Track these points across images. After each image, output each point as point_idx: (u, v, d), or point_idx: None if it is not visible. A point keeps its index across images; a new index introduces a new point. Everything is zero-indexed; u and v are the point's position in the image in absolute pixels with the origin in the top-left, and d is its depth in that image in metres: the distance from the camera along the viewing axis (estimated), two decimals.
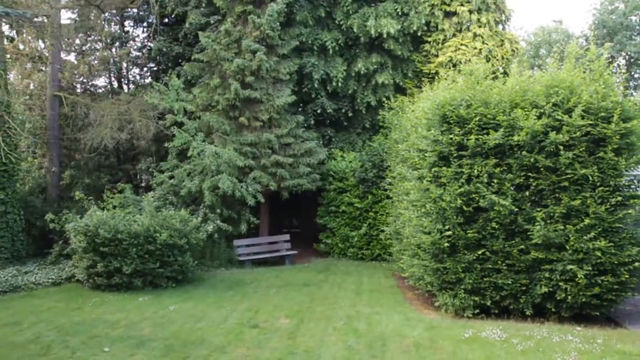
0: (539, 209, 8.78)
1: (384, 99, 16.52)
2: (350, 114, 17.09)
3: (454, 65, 15.99)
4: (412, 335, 8.14)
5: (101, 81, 18.96)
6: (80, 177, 15.86)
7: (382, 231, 15.02)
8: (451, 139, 9.21)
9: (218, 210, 14.41)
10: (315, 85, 16.39)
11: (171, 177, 14.61)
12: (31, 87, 16.40)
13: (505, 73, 15.64)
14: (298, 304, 10.28)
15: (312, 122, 16.80)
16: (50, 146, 15.98)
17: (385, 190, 14.91)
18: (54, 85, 16.02)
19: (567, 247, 8.51)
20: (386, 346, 7.65)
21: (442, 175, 9.29)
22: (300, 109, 16.77)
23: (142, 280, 11.62)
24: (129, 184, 13.85)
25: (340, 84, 16.50)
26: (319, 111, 16.57)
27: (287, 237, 15.91)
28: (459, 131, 9.19)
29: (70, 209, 13.44)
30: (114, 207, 12.94)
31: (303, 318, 9.27)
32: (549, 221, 8.63)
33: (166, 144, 14.61)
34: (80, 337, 8.31)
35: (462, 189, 8.97)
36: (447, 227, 9.12)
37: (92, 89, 17.44)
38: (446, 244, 9.08)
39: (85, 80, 17.15)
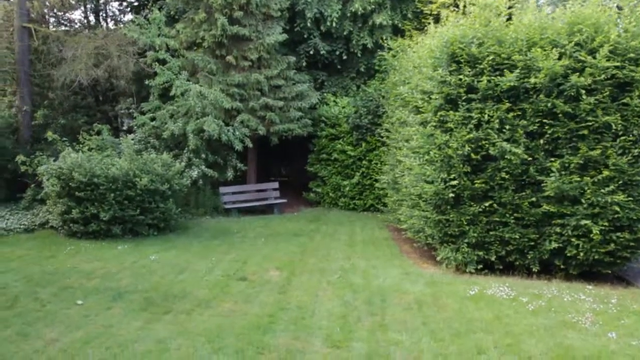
0: (553, 159, 8.07)
1: (382, 41, 15.49)
2: (344, 57, 16.05)
3: (457, 6, 14.89)
4: (412, 291, 7.55)
5: (77, 15, 17.55)
6: (55, 118, 14.76)
7: (376, 181, 14.37)
8: (460, 80, 8.37)
9: (203, 155, 13.57)
10: (308, 25, 15.27)
11: (153, 119, 13.64)
12: None
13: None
14: (289, 255, 9.65)
15: (304, 64, 15.76)
16: (20, 82, 14.75)
17: (381, 137, 14.14)
18: (22, 16, 14.64)
19: (582, 200, 7.86)
20: (386, 302, 7.06)
21: (449, 120, 8.50)
22: (291, 50, 15.65)
23: (122, 227, 10.88)
24: (107, 125, 12.85)
25: (334, 24, 15.38)
26: (311, 52, 15.51)
27: (275, 184, 15.18)
28: (469, 72, 8.34)
29: (44, 151, 12.50)
30: (90, 150, 12.03)
31: (294, 270, 8.65)
32: (563, 172, 7.95)
33: (147, 82, 13.52)
34: (51, 288, 7.60)
35: (470, 135, 8.21)
36: (452, 176, 8.41)
37: (66, 22, 16.07)
38: (451, 195, 8.40)
39: (58, 13, 15.75)
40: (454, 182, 8.36)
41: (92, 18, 17.63)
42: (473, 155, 8.22)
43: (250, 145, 13.84)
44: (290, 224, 12.83)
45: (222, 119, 13.73)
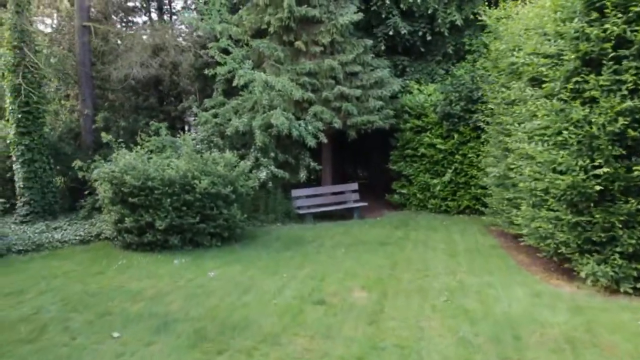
0: None
1: (473, 17, 13.33)
2: (428, 38, 13.97)
3: None
4: (555, 321, 5.44)
5: (140, 15, 16.65)
6: (116, 120, 13.76)
7: (473, 177, 12.20)
8: (605, 31, 6.17)
9: (272, 154, 11.99)
10: (387, 2, 13.36)
11: (215, 116, 12.23)
12: (55, 19, 14.26)
13: None
14: (376, 270, 7.76)
15: (383, 48, 13.85)
16: (81, 85, 13.93)
17: (477, 127, 11.97)
18: (82, 15, 13.84)
19: None
20: (521, 340, 5.02)
21: (590, 88, 6.31)
22: (367, 34, 13.78)
23: (180, 237, 9.45)
24: (165, 123, 11.55)
25: (417, 1, 13.37)
26: (390, 33, 13.57)
27: (355, 186, 13.34)
28: (618, 19, 6.12)
29: (106, 156, 11.42)
30: (150, 152, 10.76)
31: (386, 290, 6.75)
32: None
33: (207, 71, 12.12)
34: (88, 314, 6.18)
35: (623, 105, 5.99)
36: (597, 163, 6.20)
37: (127, 20, 15.13)
38: (595, 187, 6.19)
39: (119, 10, 14.85)
40: (601, 171, 6.14)
41: (154, 16, 16.66)
42: (632, 132, 5.98)
43: (325, 141, 12.10)
44: (374, 231, 10.93)
45: (292, 112, 12.10)
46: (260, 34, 13.08)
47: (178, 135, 11.84)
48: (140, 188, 9.19)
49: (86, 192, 11.37)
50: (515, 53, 8.22)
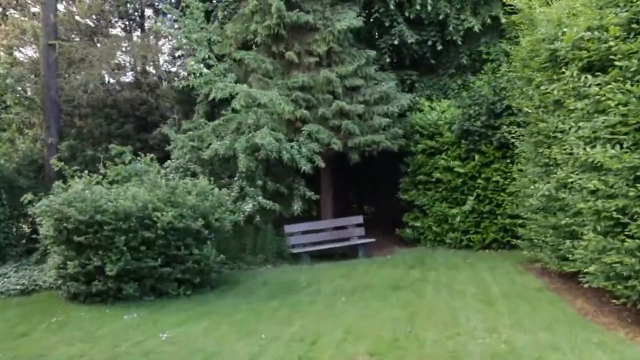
0: None
1: (490, 21, 11.65)
2: (439, 47, 12.24)
3: None
4: None
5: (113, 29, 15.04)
6: (83, 149, 11.97)
7: (499, 205, 10.23)
8: None
9: (259, 182, 10.09)
10: (391, 7, 11.71)
11: (192, 139, 10.40)
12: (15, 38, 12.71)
13: None
14: (389, 326, 5.72)
15: (387, 60, 12.12)
16: (46, 111, 12.23)
17: (502, 144, 10.11)
18: (48, 32, 12.28)
19: None
20: None
21: None
22: (369, 46, 12.07)
23: (138, 285, 7.49)
24: (129, 147, 9.72)
25: (426, 6, 11.72)
26: (396, 43, 11.83)
27: (359, 219, 11.36)
28: None
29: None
30: (112, 182, 8.87)
31: (404, 359, 4.71)
32: None
33: (176, 83, 10.38)
34: None
35: None
36: None
37: (96, 35, 13.53)
38: None
39: (88, 24, 13.26)
40: None
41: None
42: None
43: (322, 165, 10.20)
44: (384, 272, 8.89)
45: (284, 133, 10.28)
46: (246, 46, 11.41)
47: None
48: (88, 223, 7.29)
49: (28, 230, 9.46)
50: (558, 39, 6.39)
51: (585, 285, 5.91)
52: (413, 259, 9.91)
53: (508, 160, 10.18)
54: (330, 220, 11.57)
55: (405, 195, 11.72)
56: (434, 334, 5.35)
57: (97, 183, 8.03)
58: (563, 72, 6.35)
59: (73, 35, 12.57)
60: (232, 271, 9.50)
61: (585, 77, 5.65)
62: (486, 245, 10.62)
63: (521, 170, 8.58)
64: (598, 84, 5.44)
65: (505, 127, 9.87)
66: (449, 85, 12.50)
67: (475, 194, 10.64)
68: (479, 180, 10.58)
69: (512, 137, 8.96)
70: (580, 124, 5.69)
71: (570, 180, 5.82)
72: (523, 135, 8.36)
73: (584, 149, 5.44)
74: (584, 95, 5.69)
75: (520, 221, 9.22)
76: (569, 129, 6.06)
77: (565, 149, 6.21)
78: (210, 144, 10.18)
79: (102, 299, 7.44)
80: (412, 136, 11.59)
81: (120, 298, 7.43)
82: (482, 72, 11.72)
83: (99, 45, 12.01)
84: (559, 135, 6.41)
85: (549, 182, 6.42)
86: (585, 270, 5.77)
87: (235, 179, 10.09)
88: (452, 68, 12.57)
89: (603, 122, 5.26)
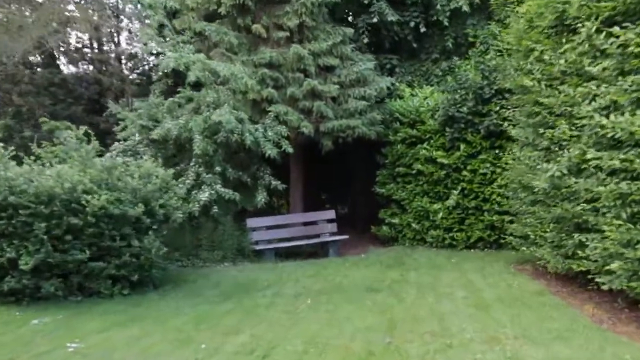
0: None
1: (479, 1, 10.69)
2: (422, 29, 11.21)
3: None
4: None
5: None
6: (21, 130, 10.57)
7: (486, 200, 9.24)
8: None
9: (218, 169, 8.88)
10: None
11: (142, 118, 9.11)
12: None
13: None
14: (362, 335, 4.57)
15: (365, 42, 11.03)
16: None
17: (490, 133, 9.14)
18: None
19: None
20: None
21: None
22: (347, 25, 10.96)
23: (63, 283, 6.19)
24: (65, 122, 8.39)
25: None
26: (375, 20, 10.76)
27: (331, 214, 10.23)
28: None
29: None
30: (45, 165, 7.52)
31: None
32: None
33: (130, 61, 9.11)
34: None
35: None
36: None
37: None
38: None
39: None
40: None
41: None
42: None
43: (290, 150, 9.04)
44: (357, 272, 7.76)
45: (248, 114, 9.10)
46: (210, 18, 10.19)
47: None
48: (0, 207, 5.97)
49: None
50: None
51: (604, 288, 4.84)
52: (390, 259, 8.80)
53: (497, 151, 9.20)
54: (299, 214, 10.42)
55: (383, 189, 10.62)
56: (418, 346, 4.22)
57: (16, 159, 6.68)
58: (574, 33, 5.33)
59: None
60: (184, 269, 8.26)
61: (607, 33, 4.61)
62: (471, 245, 9.58)
63: (514, 159, 7.56)
64: (620, 45, 4.42)
65: (494, 113, 8.93)
66: (432, 71, 11.49)
67: (459, 187, 9.59)
68: (464, 173, 9.53)
69: (506, 121, 7.95)
70: (601, 88, 4.64)
71: (588, 156, 4.74)
72: (517, 120, 7.33)
73: (606, 117, 4.40)
74: (606, 55, 4.65)
75: (510, 218, 8.26)
76: (584, 100, 5.03)
77: (576, 125, 5.17)
78: (158, 121, 8.93)
79: (17, 299, 6.11)
80: (391, 124, 10.52)
81: (40, 298, 6.13)
82: (468, 56, 10.73)
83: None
84: (569, 109, 5.37)
85: (558, 162, 5.35)
86: (600, 269, 4.72)
87: (191, 164, 8.86)
88: (435, 52, 11.56)
89: (631, 84, 4.22)
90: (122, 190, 6.54)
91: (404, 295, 6.10)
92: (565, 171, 5.18)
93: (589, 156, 4.65)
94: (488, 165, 9.29)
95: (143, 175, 6.92)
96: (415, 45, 11.54)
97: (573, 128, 5.28)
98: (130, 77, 11.82)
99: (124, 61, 12.31)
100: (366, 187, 11.37)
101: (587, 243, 4.98)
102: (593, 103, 4.79)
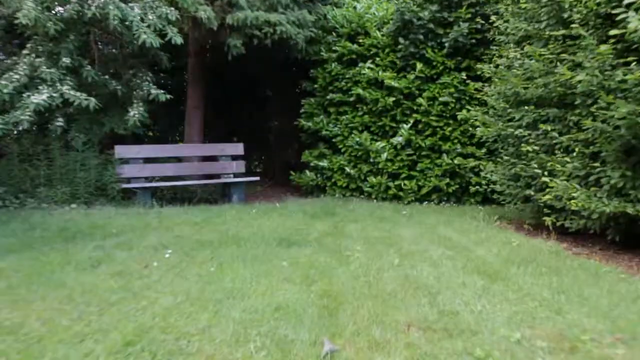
0: None
1: None
2: None
3: None
4: None
5: None
6: None
7: (448, 138, 6.95)
8: None
9: (66, 60, 5.84)
10: None
11: None
12: None
13: None
14: (261, 332, 1.97)
15: None
16: None
17: (457, 49, 6.79)
18: None
19: None
20: None
21: None
22: None
23: None
24: None
25: None
26: None
27: (238, 147, 7.46)
28: None
29: None
30: None
31: None
32: None
33: None
34: None
35: None
36: None
37: None
38: None
39: None
40: None
41: None
42: None
43: (179, 39, 6.12)
44: (268, 221, 5.13)
45: None
46: None
47: None
48: None
49: None
50: None
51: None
52: (317, 208, 6.23)
53: (464, 74, 6.85)
54: (193, 145, 7.59)
55: (309, 122, 8.01)
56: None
57: None
58: None
59: None
60: (4, 209, 5.30)
61: None
62: (422, 197, 7.23)
63: (507, 66, 5.20)
64: None
65: (464, 23, 6.58)
66: None
67: (412, 120, 7.19)
68: (419, 101, 7.11)
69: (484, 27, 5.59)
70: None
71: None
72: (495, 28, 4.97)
73: None
74: None
75: (477, 162, 6.01)
76: None
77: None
78: None
79: None
80: (323, 39, 7.90)
81: None
82: None
83: None
84: None
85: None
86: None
87: (25, 51, 5.78)
88: None
89: None
90: None
91: (347, 254, 3.59)
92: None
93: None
94: (452, 91, 6.93)
95: None
96: None
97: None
98: None
99: None
100: (287, 121, 8.70)
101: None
102: None
